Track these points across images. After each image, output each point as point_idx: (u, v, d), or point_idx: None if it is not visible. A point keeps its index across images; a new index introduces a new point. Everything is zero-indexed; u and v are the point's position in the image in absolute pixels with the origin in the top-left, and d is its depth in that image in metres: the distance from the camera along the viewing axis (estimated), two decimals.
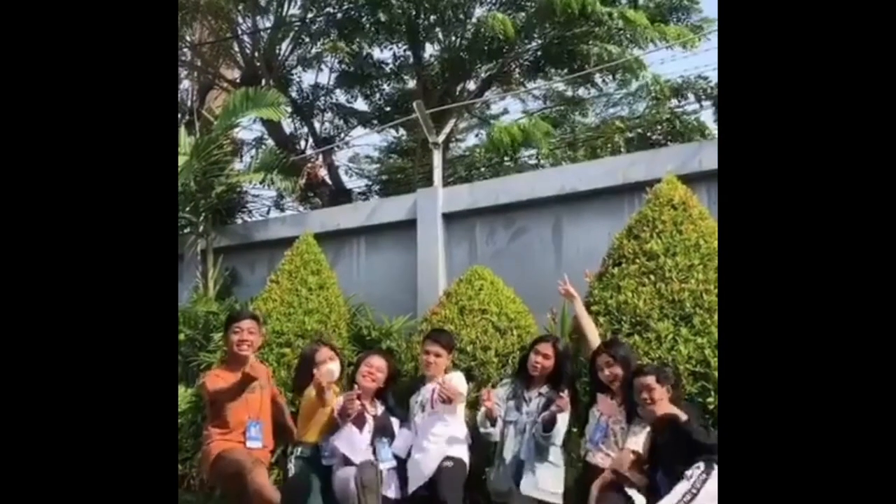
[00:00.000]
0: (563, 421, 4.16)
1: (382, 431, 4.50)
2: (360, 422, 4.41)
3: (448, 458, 4.31)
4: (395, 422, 4.61)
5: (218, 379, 4.47)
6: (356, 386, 4.58)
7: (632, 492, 3.88)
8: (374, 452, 4.40)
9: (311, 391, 4.47)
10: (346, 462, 4.34)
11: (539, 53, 11.27)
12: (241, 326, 4.61)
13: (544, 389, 4.36)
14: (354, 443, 4.37)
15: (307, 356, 4.80)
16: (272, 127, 11.43)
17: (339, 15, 11.23)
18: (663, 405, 3.82)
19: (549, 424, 4.11)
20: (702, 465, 3.62)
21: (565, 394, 4.11)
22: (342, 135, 13.08)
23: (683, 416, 3.72)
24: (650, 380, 3.88)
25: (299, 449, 4.54)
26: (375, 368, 4.63)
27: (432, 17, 11.07)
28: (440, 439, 4.38)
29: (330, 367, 4.43)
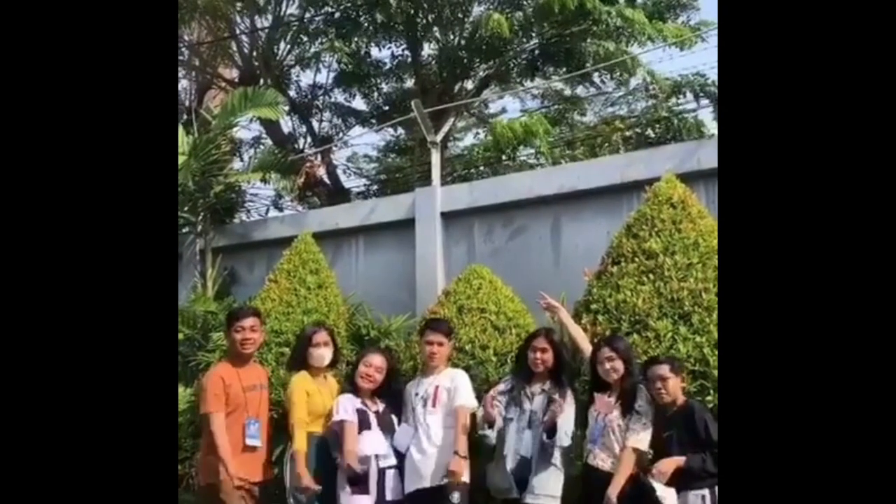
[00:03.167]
0: (565, 423, 4.15)
1: (385, 429, 4.52)
2: (365, 423, 4.46)
3: (454, 486, 4.27)
4: (394, 419, 4.63)
5: (219, 384, 4.45)
6: (355, 385, 4.59)
7: (657, 485, 3.83)
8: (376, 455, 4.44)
9: (299, 380, 4.56)
10: (350, 479, 4.37)
11: (537, 52, 11.26)
12: (244, 325, 4.60)
13: (547, 385, 4.34)
14: (368, 441, 4.42)
15: (305, 336, 4.82)
16: (270, 126, 11.42)
17: (337, 14, 11.21)
18: (678, 395, 3.90)
19: (551, 429, 4.10)
20: (707, 494, 3.65)
21: (567, 393, 4.10)
22: (340, 134, 13.09)
23: (681, 461, 3.75)
24: (664, 369, 3.92)
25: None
26: (375, 367, 4.63)
27: (430, 17, 11.06)
28: (442, 447, 4.36)
29: (321, 352, 4.59)
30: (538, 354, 4.37)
